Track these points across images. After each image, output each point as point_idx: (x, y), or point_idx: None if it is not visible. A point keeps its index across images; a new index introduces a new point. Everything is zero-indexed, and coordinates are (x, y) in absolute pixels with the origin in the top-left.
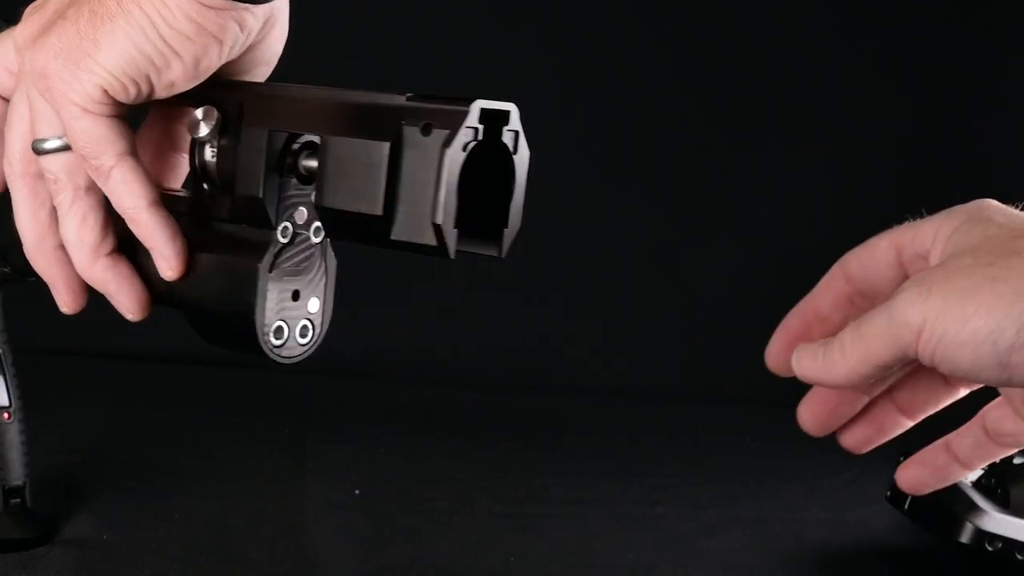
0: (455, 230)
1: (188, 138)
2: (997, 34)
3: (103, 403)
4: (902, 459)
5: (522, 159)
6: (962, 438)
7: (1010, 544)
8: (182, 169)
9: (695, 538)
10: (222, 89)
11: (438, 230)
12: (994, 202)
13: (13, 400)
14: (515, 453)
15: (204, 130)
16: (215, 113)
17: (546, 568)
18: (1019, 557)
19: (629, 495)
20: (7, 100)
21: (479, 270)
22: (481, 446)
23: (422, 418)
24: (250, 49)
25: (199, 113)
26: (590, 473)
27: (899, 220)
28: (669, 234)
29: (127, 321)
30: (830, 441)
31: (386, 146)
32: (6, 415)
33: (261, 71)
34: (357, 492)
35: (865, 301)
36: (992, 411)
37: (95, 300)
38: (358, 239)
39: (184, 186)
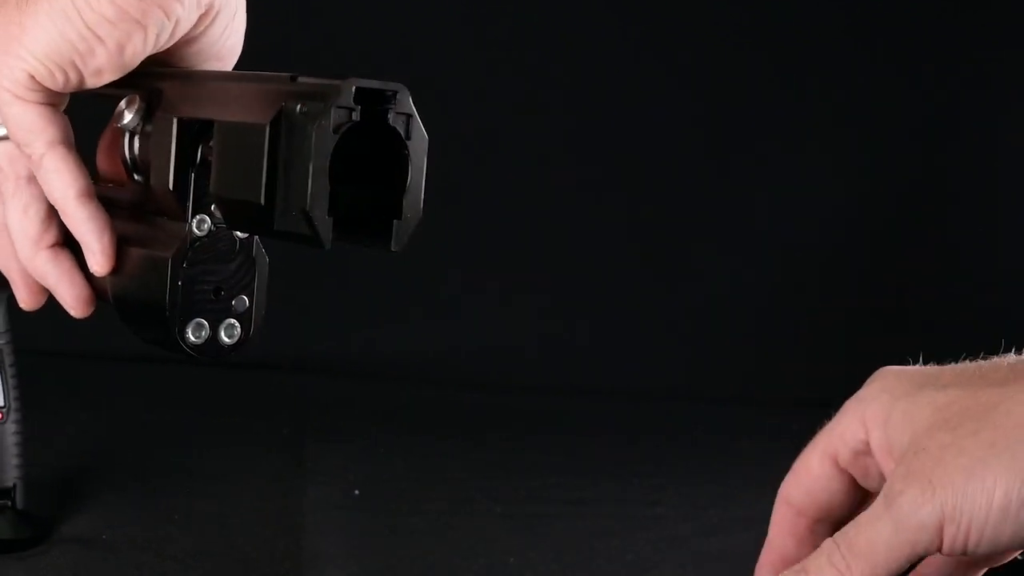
0: (329, 218)
1: None
2: (998, 35)
3: (103, 404)
4: None
5: (417, 145)
6: (931, 567)
7: None
8: None
9: (695, 538)
10: (150, 77)
11: (308, 218)
12: (896, 368)
13: (10, 400)
14: (515, 453)
15: (127, 118)
16: (137, 101)
17: (546, 568)
18: (1019, 557)
19: (629, 495)
20: None
21: (479, 270)
22: (480, 446)
23: (422, 418)
24: (191, 42)
25: (123, 102)
26: (590, 473)
27: (898, 221)
28: (669, 234)
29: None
30: None
31: (265, 128)
32: None
33: (213, 66)
34: (356, 492)
35: (825, 526)
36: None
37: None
38: (250, 229)
39: None
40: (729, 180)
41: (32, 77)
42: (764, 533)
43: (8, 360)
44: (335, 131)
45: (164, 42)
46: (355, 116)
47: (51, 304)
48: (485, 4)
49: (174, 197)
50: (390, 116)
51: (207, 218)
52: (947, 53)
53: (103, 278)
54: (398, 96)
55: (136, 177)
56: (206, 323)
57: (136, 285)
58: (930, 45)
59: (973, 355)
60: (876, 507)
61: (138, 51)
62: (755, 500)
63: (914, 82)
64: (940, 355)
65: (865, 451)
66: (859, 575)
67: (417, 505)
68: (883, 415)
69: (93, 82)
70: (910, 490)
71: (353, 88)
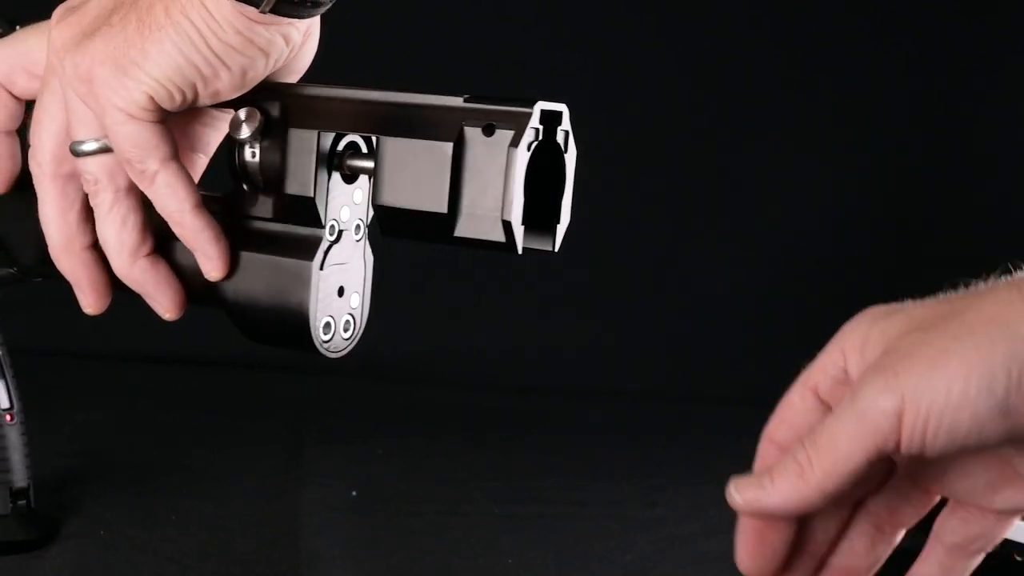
0: (522, 227)
1: (207, 138)
2: (1000, 36)
3: (101, 404)
4: None
5: (571, 157)
6: (927, 567)
7: (1008, 545)
8: (198, 168)
9: (694, 539)
10: (262, 92)
11: (507, 227)
12: (877, 306)
13: (14, 402)
14: (513, 454)
15: (246, 131)
16: (258, 115)
17: (544, 569)
18: (1018, 559)
19: (628, 495)
20: (19, 100)
21: (477, 271)
22: (479, 447)
23: (420, 419)
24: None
25: (242, 114)
26: (589, 474)
27: (899, 223)
28: (669, 235)
29: (125, 323)
30: None
31: (449, 146)
32: (8, 417)
33: (290, 79)
34: (354, 494)
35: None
36: (948, 522)
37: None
38: (417, 236)
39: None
40: (729, 181)
41: (151, 99)
42: None
43: (6, 361)
44: (527, 148)
45: (279, 65)
46: (539, 136)
47: (46, 305)
48: (496, 3)
49: (315, 205)
50: (558, 133)
51: (336, 223)
52: (948, 55)
53: (204, 282)
54: (563, 115)
55: (244, 186)
56: (333, 321)
57: (265, 289)
58: (932, 47)
59: None
60: (842, 405)
61: (258, 75)
62: None
63: (914, 84)
64: None
65: (844, 379)
66: (819, 470)
67: (415, 506)
68: (861, 340)
69: (207, 102)
70: (874, 380)
71: (540, 110)
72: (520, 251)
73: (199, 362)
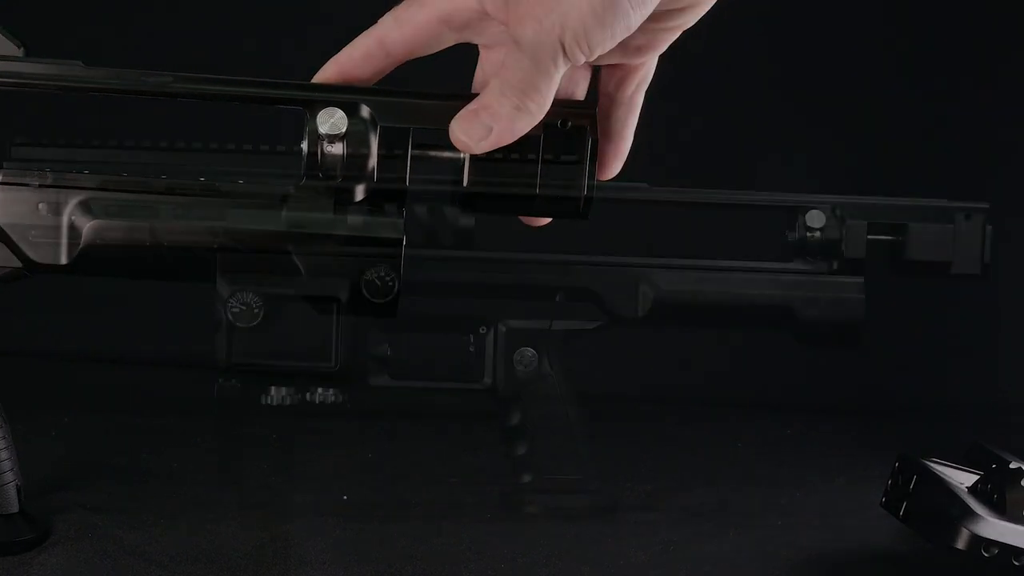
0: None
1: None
2: (1001, 36)
3: (90, 407)
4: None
5: (595, 144)
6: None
7: (1007, 550)
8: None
9: (688, 543)
10: (342, 92)
11: (588, 202)
12: None
13: None
14: (507, 458)
15: (331, 128)
16: (342, 113)
17: (538, 574)
18: (1015, 563)
19: (622, 500)
20: None
21: None
22: (472, 450)
23: (411, 422)
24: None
25: (328, 112)
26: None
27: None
28: (664, 237)
29: (114, 325)
30: (826, 446)
31: (540, 137)
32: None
33: None
34: (345, 497)
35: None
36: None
37: (85, 304)
38: (502, 212)
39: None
40: (726, 181)
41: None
42: (759, 537)
43: None
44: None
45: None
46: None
47: (37, 306)
48: None
49: (407, 190)
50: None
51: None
52: (949, 53)
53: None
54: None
55: (319, 174)
56: None
57: (355, 265)
58: (932, 46)
59: (969, 359)
60: (512, 55)
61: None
62: (750, 505)
63: (916, 83)
64: (939, 357)
65: (480, 17)
66: (534, 104)
67: (407, 510)
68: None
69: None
70: (526, 29)
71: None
72: (587, 218)
73: (188, 365)
